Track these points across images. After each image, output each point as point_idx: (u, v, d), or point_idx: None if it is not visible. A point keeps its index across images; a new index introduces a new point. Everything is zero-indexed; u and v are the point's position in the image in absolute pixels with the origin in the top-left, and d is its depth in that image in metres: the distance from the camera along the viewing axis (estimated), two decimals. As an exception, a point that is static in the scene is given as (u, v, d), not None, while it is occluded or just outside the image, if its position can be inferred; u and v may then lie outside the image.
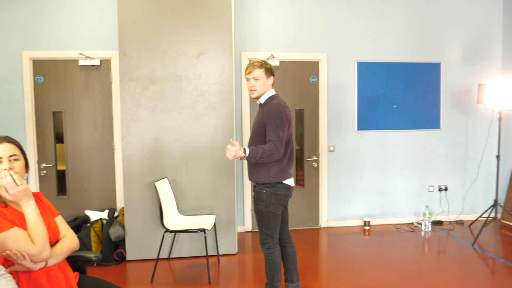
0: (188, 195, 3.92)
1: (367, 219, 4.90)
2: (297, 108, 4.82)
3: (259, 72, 2.73)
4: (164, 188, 3.66)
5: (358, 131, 4.95)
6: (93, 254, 2.04)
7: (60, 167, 4.47)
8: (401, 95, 4.99)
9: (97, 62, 4.39)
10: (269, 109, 2.66)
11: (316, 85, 4.87)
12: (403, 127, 5.03)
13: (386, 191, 5.09)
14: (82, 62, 4.37)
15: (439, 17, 5.02)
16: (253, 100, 4.73)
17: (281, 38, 4.75)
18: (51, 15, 4.31)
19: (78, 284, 1.87)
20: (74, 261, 2.03)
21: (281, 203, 2.76)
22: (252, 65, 2.75)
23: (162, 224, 3.33)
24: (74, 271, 1.95)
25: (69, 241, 1.83)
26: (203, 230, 3.32)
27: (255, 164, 2.72)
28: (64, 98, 4.41)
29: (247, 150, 2.51)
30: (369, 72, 4.93)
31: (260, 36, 4.71)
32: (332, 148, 4.93)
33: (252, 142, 2.78)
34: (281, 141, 2.59)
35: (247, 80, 2.79)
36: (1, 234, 1.55)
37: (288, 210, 2.99)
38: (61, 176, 4.47)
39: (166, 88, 3.82)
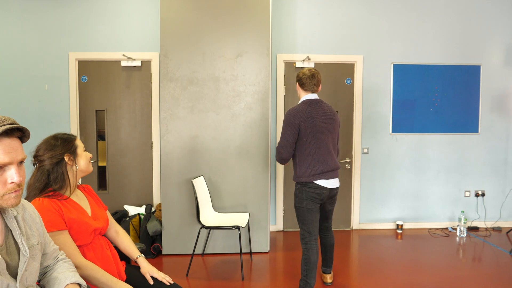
0: (223, 193, 4.02)
1: (400, 223, 4.86)
2: (331, 110, 4.84)
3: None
4: (200, 186, 3.78)
5: (393, 133, 4.92)
6: (138, 245, 2.17)
7: (101, 163, 4.68)
8: (438, 98, 4.92)
9: (138, 63, 4.57)
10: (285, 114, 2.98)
11: (351, 87, 4.88)
12: (440, 131, 4.96)
13: (420, 195, 5.03)
14: (124, 63, 4.56)
15: (480, 18, 4.92)
16: (287, 101, 4.80)
17: (317, 40, 4.79)
18: (96, 18, 4.53)
19: (125, 271, 2.00)
20: (120, 251, 2.15)
21: (313, 201, 2.89)
22: None
23: (199, 220, 3.44)
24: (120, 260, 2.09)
25: (128, 236, 2.07)
26: (238, 227, 3.41)
27: (293, 164, 2.99)
28: (107, 97, 4.61)
29: None
30: (405, 75, 4.89)
31: (297, 38, 4.76)
32: (365, 150, 4.92)
33: None
34: (282, 142, 2.89)
35: None
36: (53, 232, 1.64)
37: (332, 210, 3.18)
38: (102, 172, 4.68)
39: (204, 89, 3.94)
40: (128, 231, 3.95)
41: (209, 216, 3.79)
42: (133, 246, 2.05)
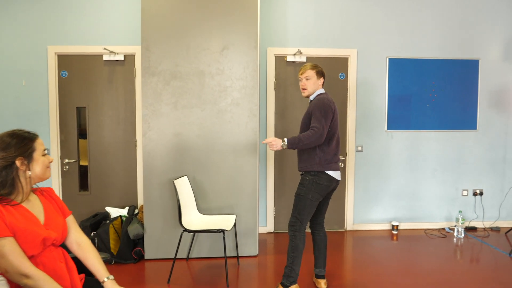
0: (209, 193, 3.82)
1: (395, 223, 4.67)
2: (323, 106, 4.65)
3: (311, 73, 3.02)
4: (183, 186, 3.57)
5: (388, 130, 4.73)
6: (102, 255, 1.94)
7: (82, 163, 4.46)
8: (435, 94, 4.73)
9: (121, 57, 4.34)
10: (316, 102, 2.91)
11: (344, 82, 4.68)
12: (437, 127, 4.77)
13: (417, 194, 4.84)
14: (106, 57, 4.33)
15: (478, 11, 4.72)
16: (278, 97, 4.59)
17: (309, 33, 4.58)
18: (76, 10, 4.30)
19: (83, 286, 1.78)
20: (80, 262, 1.92)
21: (320, 193, 2.92)
22: (304, 67, 3.06)
23: (180, 224, 3.23)
24: (80, 273, 1.86)
25: (95, 250, 1.84)
26: (222, 231, 3.20)
27: (302, 154, 2.98)
28: (88, 93, 4.39)
29: (286, 139, 2.80)
30: (401, 69, 4.69)
31: (288, 31, 4.55)
32: (360, 148, 4.73)
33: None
34: (323, 127, 2.80)
35: (300, 79, 3.07)
36: None
37: (328, 203, 3.17)
38: (83, 172, 4.46)
39: (188, 84, 3.72)
40: (108, 234, 3.73)
41: (193, 219, 3.58)
42: (99, 264, 1.79)
